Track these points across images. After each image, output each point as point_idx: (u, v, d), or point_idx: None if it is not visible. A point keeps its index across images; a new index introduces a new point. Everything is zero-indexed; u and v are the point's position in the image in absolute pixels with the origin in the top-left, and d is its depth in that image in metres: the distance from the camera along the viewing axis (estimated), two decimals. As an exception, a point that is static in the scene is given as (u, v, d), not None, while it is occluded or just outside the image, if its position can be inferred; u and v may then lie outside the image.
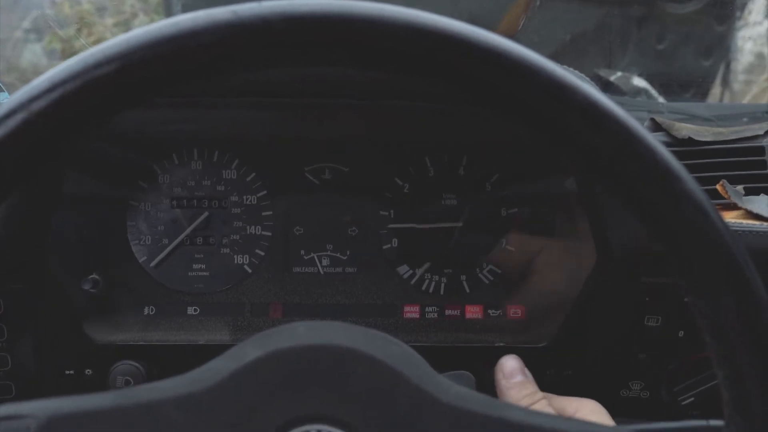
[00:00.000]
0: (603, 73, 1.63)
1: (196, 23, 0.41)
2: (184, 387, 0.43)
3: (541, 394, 0.68)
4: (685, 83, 2.00)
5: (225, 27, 0.41)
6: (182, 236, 0.92)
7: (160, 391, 0.43)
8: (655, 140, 0.43)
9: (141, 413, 0.42)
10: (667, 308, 0.84)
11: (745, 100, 2.15)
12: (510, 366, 0.70)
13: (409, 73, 0.44)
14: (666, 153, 0.43)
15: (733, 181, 0.89)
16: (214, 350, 0.84)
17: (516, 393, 0.67)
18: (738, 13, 2.11)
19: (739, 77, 2.20)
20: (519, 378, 0.69)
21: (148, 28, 0.42)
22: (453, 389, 0.44)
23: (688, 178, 0.43)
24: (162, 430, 0.42)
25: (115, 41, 0.42)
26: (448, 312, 0.94)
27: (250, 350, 0.44)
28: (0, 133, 0.41)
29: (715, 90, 2.12)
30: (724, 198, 0.87)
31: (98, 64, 0.41)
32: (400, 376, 0.43)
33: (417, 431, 0.42)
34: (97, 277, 0.87)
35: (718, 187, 0.88)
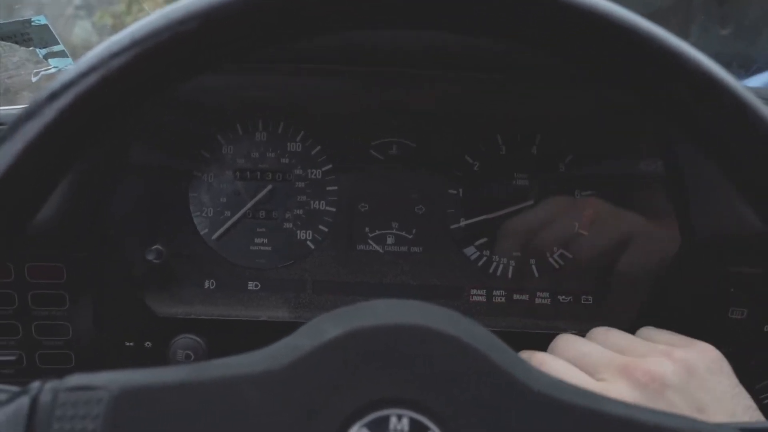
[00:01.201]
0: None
1: None
2: (261, 363, 0.41)
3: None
4: (758, 66, 1.94)
5: None
6: (244, 209, 0.91)
7: (235, 367, 0.41)
8: None
9: (216, 389, 0.40)
10: (753, 301, 0.79)
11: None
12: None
13: (504, 36, 0.42)
14: None
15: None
16: (276, 327, 0.84)
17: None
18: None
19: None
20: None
21: None
22: (544, 377, 0.41)
23: None
24: (237, 407, 0.40)
25: None
26: (516, 297, 0.91)
27: (329, 327, 0.42)
28: (78, 90, 0.39)
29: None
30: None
31: (182, 20, 0.39)
32: (488, 361, 0.40)
33: (506, 419, 0.39)
34: (160, 247, 0.86)
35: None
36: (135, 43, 0.40)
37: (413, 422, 0.39)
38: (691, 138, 0.42)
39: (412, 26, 0.41)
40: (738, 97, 0.40)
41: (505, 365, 0.40)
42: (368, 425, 0.39)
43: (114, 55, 0.39)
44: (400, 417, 0.39)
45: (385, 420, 0.39)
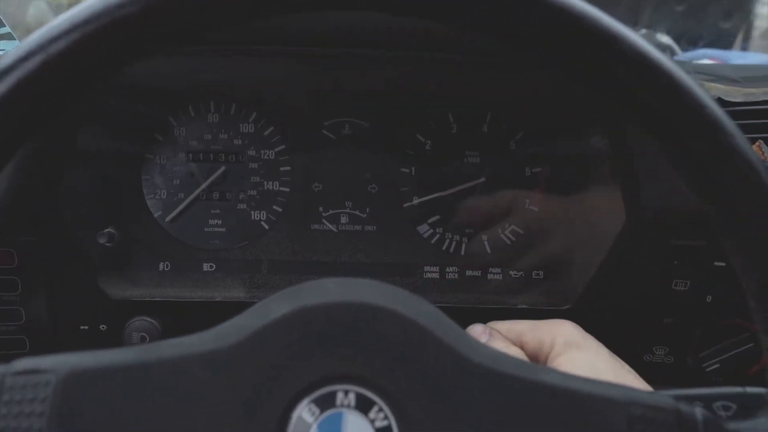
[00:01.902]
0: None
1: None
2: (209, 343, 0.41)
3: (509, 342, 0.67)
4: (705, 45, 1.98)
5: None
6: (198, 191, 0.91)
7: (183, 347, 0.41)
8: (705, 93, 0.41)
9: (164, 369, 0.40)
10: (695, 272, 0.82)
11: (763, 64, 2.13)
12: (478, 329, 0.70)
13: (447, 22, 0.42)
14: (716, 107, 0.41)
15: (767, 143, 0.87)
16: (231, 307, 0.84)
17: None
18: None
19: (755, 42, 2.17)
20: (487, 335, 0.69)
21: None
22: (486, 350, 0.43)
23: (737, 133, 0.41)
24: (185, 387, 0.40)
25: None
26: (468, 273, 0.93)
27: (276, 306, 0.42)
28: (17, 76, 0.39)
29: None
30: (761, 159, 0.84)
31: (120, 5, 0.39)
32: (432, 336, 0.41)
33: (449, 392, 0.41)
34: (112, 230, 0.86)
35: (754, 147, 0.85)
36: (74, 27, 0.39)
37: (359, 397, 0.40)
38: (628, 116, 0.43)
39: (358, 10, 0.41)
40: (672, 77, 0.41)
41: (447, 339, 0.41)
42: (315, 401, 0.40)
43: (53, 39, 0.39)
44: (346, 392, 0.40)
45: (332, 396, 0.40)
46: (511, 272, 0.93)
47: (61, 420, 0.39)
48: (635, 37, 0.41)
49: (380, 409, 0.40)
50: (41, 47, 0.39)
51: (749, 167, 0.40)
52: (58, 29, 0.39)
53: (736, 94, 0.93)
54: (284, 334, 0.41)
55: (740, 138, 0.41)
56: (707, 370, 0.84)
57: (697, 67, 1.21)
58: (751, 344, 0.82)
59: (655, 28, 1.89)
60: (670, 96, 0.40)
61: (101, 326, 0.84)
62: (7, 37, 0.98)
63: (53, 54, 0.39)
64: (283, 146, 0.91)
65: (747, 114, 0.89)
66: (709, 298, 0.83)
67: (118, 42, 0.40)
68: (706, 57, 1.57)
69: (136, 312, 0.83)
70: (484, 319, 0.83)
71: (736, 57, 1.57)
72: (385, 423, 0.40)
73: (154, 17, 0.40)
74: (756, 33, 2.18)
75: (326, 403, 0.40)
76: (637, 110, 0.42)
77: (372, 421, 0.40)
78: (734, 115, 0.88)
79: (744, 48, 2.12)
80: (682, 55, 1.64)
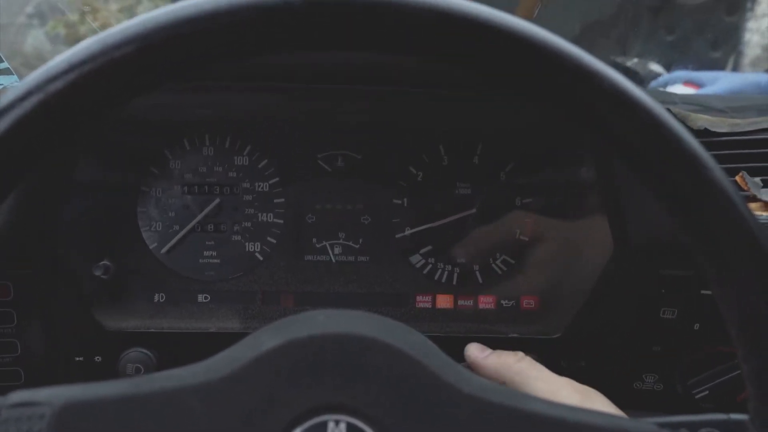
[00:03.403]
0: (619, 59, 1.63)
1: (218, 4, 0.40)
2: (201, 375, 0.42)
3: (519, 353, 0.68)
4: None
5: (247, 8, 0.40)
6: (193, 223, 0.92)
7: (176, 379, 0.42)
8: (681, 127, 0.42)
9: (157, 401, 0.41)
10: (683, 301, 0.83)
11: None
12: (475, 346, 0.73)
13: (435, 58, 0.44)
14: (693, 140, 0.42)
15: (751, 173, 0.88)
16: (225, 338, 0.84)
17: (497, 358, 0.68)
18: (748, 4, 2.10)
19: (746, 70, 2.19)
20: (487, 351, 0.72)
21: (168, 8, 0.41)
22: (474, 380, 0.43)
23: (715, 167, 0.42)
24: (179, 419, 0.41)
25: (135, 21, 0.41)
26: (460, 302, 0.94)
27: (267, 338, 0.43)
28: (16, 114, 0.40)
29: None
30: (743, 190, 0.86)
31: (118, 45, 0.40)
32: (420, 366, 0.42)
33: (437, 421, 0.41)
34: (108, 263, 0.87)
35: (737, 178, 0.87)
36: (72, 68, 0.40)
37: (350, 426, 0.41)
38: (610, 149, 0.44)
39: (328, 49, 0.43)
40: (649, 112, 0.42)
41: (436, 369, 0.42)
42: (307, 431, 0.41)
43: (51, 79, 0.40)
44: (337, 422, 0.41)
45: (323, 426, 0.41)
46: (502, 301, 0.94)
47: (56, 452, 0.40)
48: (613, 73, 0.42)
49: (370, 439, 0.41)
50: (39, 87, 0.40)
51: (727, 200, 0.41)
52: (56, 69, 0.41)
53: (722, 124, 0.94)
54: (275, 365, 0.42)
55: (717, 171, 0.42)
56: (696, 397, 0.84)
57: (684, 97, 1.22)
58: (739, 371, 0.83)
59: (645, 58, 1.91)
60: (647, 131, 0.42)
61: (96, 357, 0.84)
62: (6, 72, 1.00)
63: (51, 94, 0.40)
64: (277, 178, 0.92)
65: (732, 144, 0.91)
66: (696, 326, 0.84)
67: (115, 81, 0.41)
68: (680, 80, 1.59)
69: (131, 343, 0.84)
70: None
71: (708, 77, 1.60)
72: (375, 452, 0.40)
73: (150, 57, 0.41)
74: (745, 61, 2.20)
75: (317, 433, 0.41)
76: (616, 145, 0.43)
77: (362, 451, 0.41)
78: (720, 146, 0.90)
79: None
80: (659, 80, 1.66)
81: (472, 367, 0.73)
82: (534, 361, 0.68)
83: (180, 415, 0.41)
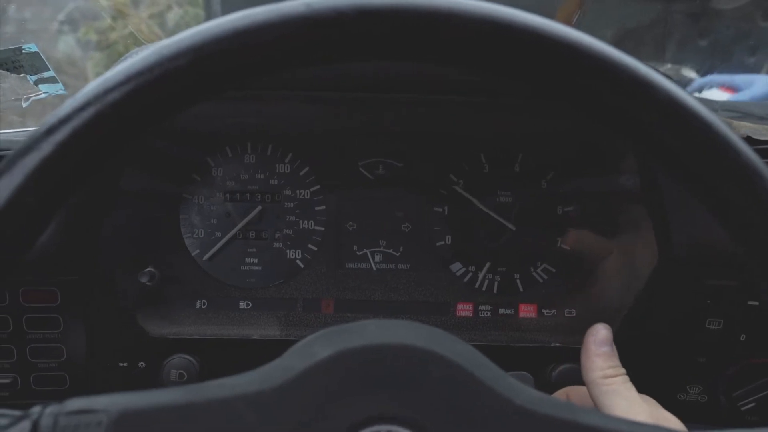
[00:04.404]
0: (653, 66, 1.62)
1: (270, 15, 0.41)
2: (255, 384, 0.42)
3: (623, 370, 0.67)
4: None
5: (299, 20, 0.41)
6: (235, 230, 0.92)
7: (230, 388, 0.42)
8: (738, 138, 0.42)
9: (212, 410, 0.42)
10: (729, 311, 0.82)
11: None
12: (602, 334, 0.70)
13: (484, 70, 0.44)
14: (750, 151, 0.42)
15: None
16: (267, 345, 0.85)
17: (602, 361, 0.67)
18: (785, 9, 2.08)
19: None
20: (607, 348, 0.69)
21: (221, 20, 0.42)
22: (526, 392, 0.43)
23: None
24: (233, 427, 0.41)
25: (189, 33, 0.41)
26: (501, 311, 0.93)
27: (320, 348, 0.43)
28: (74, 125, 0.41)
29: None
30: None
31: (174, 57, 0.41)
32: (472, 378, 0.42)
33: (489, 431, 0.41)
34: (153, 270, 0.88)
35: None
36: (129, 79, 0.41)
37: (402, 437, 0.41)
38: (660, 161, 0.44)
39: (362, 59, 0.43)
40: (706, 123, 0.42)
41: (487, 380, 0.42)
42: (360, 441, 0.41)
43: (108, 90, 0.41)
44: (390, 432, 0.41)
45: (376, 436, 0.41)
46: (543, 310, 0.93)
47: (113, 459, 0.40)
48: (668, 83, 0.42)
49: (423, 450, 0.41)
50: (97, 98, 0.41)
51: None
52: (113, 80, 0.41)
53: (765, 132, 0.93)
54: (328, 375, 0.42)
55: None
56: (742, 409, 0.83)
57: (725, 104, 1.21)
58: (786, 384, 0.82)
59: (680, 63, 1.89)
60: (704, 142, 0.41)
61: (140, 363, 0.85)
62: (51, 80, 1.01)
63: (108, 104, 0.41)
64: (318, 186, 0.93)
65: (776, 152, 0.89)
66: (742, 337, 0.83)
67: (170, 92, 0.42)
68: (715, 84, 1.57)
69: (174, 349, 0.85)
70: (517, 357, 0.84)
71: (744, 81, 1.58)
72: (428, 463, 0.40)
73: (204, 68, 0.41)
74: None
75: (372, 443, 0.41)
76: (670, 155, 0.43)
77: (415, 462, 0.41)
78: (763, 153, 0.88)
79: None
80: (694, 84, 1.64)
81: (583, 347, 0.71)
82: (628, 381, 0.67)
83: (234, 424, 0.41)
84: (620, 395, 0.63)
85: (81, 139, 0.41)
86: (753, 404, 0.83)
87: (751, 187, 0.41)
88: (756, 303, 0.81)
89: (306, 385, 0.42)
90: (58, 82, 1.04)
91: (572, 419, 0.42)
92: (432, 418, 0.41)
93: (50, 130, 0.41)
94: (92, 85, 0.42)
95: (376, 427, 0.41)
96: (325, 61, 0.44)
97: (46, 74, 1.01)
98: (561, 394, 0.74)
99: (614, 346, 0.69)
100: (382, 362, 0.42)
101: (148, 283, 0.87)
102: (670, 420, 0.62)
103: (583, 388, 0.70)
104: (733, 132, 0.42)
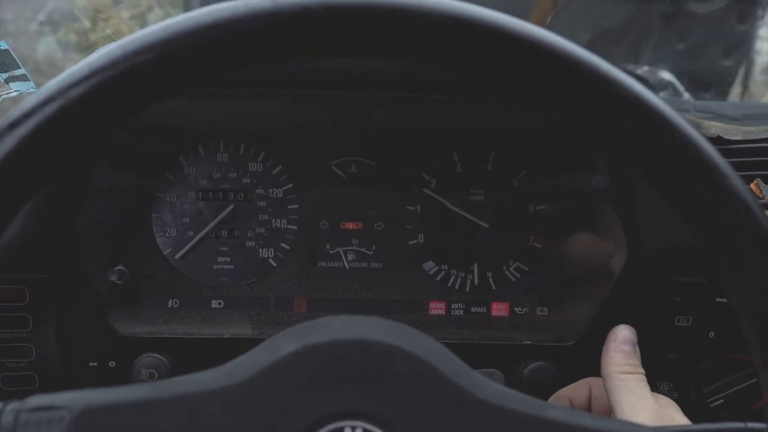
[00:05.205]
0: (630, 68, 1.63)
1: (236, 11, 0.41)
2: (220, 380, 0.42)
3: (641, 370, 0.67)
4: (706, 82, 1.99)
5: (265, 15, 0.41)
6: (207, 229, 0.92)
7: (195, 384, 0.42)
8: (698, 135, 0.42)
9: (176, 406, 0.41)
10: (697, 308, 0.82)
11: (764, 101, 2.14)
12: (624, 334, 0.70)
13: (452, 65, 0.44)
14: (710, 148, 0.42)
15: (765, 181, 0.88)
16: (239, 344, 0.84)
17: (621, 358, 0.67)
18: (760, 12, 2.10)
19: (757, 78, 2.19)
20: (629, 347, 0.69)
21: (188, 15, 0.42)
22: (490, 386, 0.43)
23: (732, 174, 0.42)
24: (198, 423, 0.41)
25: (155, 28, 0.41)
26: (474, 309, 0.93)
27: (285, 343, 0.43)
28: (37, 120, 0.41)
29: (735, 90, 2.11)
30: (758, 197, 0.85)
31: (138, 51, 0.41)
32: (437, 373, 0.42)
33: (454, 428, 0.41)
34: (123, 268, 0.87)
35: (752, 186, 0.86)
36: (93, 73, 0.41)
37: (367, 433, 0.41)
38: (626, 158, 0.44)
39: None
40: (666, 120, 0.42)
41: (452, 375, 0.42)
42: (324, 437, 0.41)
43: (72, 85, 0.41)
44: (353, 428, 0.41)
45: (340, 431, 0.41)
46: (516, 308, 0.93)
47: (74, 456, 0.40)
48: (630, 81, 0.43)
49: (388, 444, 0.41)
50: (60, 92, 0.41)
51: (744, 207, 0.41)
52: (77, 75, 0.41)
53: (735, 132, 0.94)
54: (293, 370, 0.42)
55: (735, 178, 0.42)
56: (712, 405, 0.84)
57: (697, 105, 1.22)
58: (755, 379, 0.82)
59: (656, 66, 1.91)
60: (664, 138, 0.42)
61: (110, 363, 0.85)
62: (22, 78, 1.00)
63: (71, 99, 0.41)
64: (291, 185, 0.93)
65: (746, 152, 0.91)
66: (711, 334, 0.84)
67: (135, 87, 0.42)
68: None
69: (144, 348, 0.84)
70: (489, 355, 0.85)
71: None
72: (392, 458, 0.41)
73: (170, 63, 0.41)
74: (756, 69, 2.20)
75: (335, 438, 0.41)
76: (632, 152, 0.43)
77: (380, 457, 0.41)
78: (733, 153, 0.90)
79: (744, 84, 2.13)
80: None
81: (605, 343, 0.70)
82: (643, 381, 0.66)
83: (198, 420, 0.41)
84: (631, 392, 0.63)
85: (45, 134, 0.41)
86: (722, 400, 0.84)
87: (712, 183, 0.42)
88: (724, 300, 0.82)
89: (271, 381, 0.42)
90: (29, 80, 1.03)
91: (536, 414, 0.42)
92: (396, 413, 0.41)
93: (13, 125, 0.41)
94: (56, 80, 0.42)
95: (339, 423, 0.41)
96: (292, 57, 0.44)
97: (16, 72, 1.00)
98: (583, 384, 0.74)
99: (637, 348, 0.69)
100: (347, 357, 0.42)
101: (117, 282, 0.86)
102: (676, 420, 0.61)
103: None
104: (694, 129, 0.42)
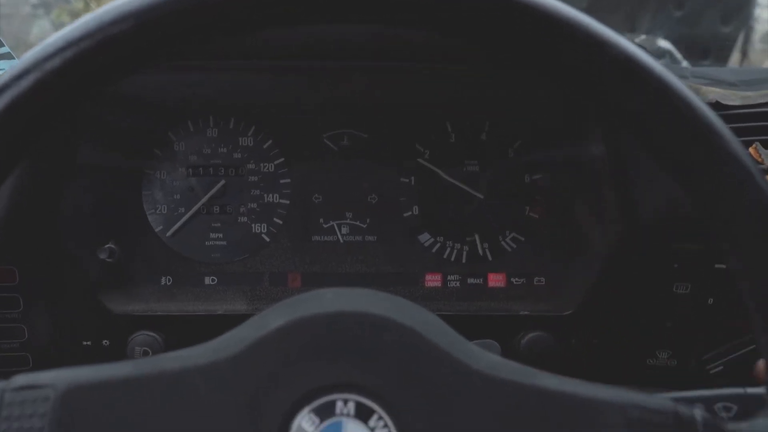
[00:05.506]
0: (627, 36, 1.61)
1: None
2: (207, 355, 0.42)
3: None
4: (705, 49, 1.97)
5: None
6: (198, 205, 0.91)
7: (181, 360, 0.42)
8: (695, 96, 0.41)
9: (162, 382, 0.41)
10: (696, 275, 0.82)
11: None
12: None
13: (444, 31, 0.43)
14: (707, 109, 0.41)
15: (764, 146, 0.87)
16: (233, 320, 0.83)
17: None
18: (760, -21, 2.08)
19: (756, 46, 2.17)
20: None
21: None
22: (483, 357, 0.43)
23: (730, 136, 0.41)
24: (185, 399, 0.40)
25: None
26: (470, 281, 0.93)
27: (274, 318, 0.42)
28: (13, 93, 0.40)
29: (734, 57, 2.10)
30: (758, 162, 0.84)
31: (114, 21, 0.40)
32: (430, 344, 0.42)
33: (448, 398, 0.41)
34: (113, 246, 0.86)
35: (750, 150, 0.85)
36: (68, 45, 0.40)
37: (359, 405, 0.40)
38: (619, 121, 0.43)
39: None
40: (661, 80, 0.41)
41: (444, 346, 0.42)
42: (315, 410, 0.40)
43: (48, 57, 0.40)
44: (345, 401, 0.40)
45: (332, 405, 0.40)
46: (512, 279, 0.93)
47: (60, 434, 0.39)
48: (623, 41, 0.41)
49: (380, 417, 0.40)
50: (36, 65, 0.40)
51: (743, 170, 0.40)
52: (52, 47, 0.40)
53: (734, 97, 0.93)
54: (282, 344, 0.41)
55: (733, 140, 0.41)
56: (711, 372, 0.83)
57: (695, 71, 1.21)
58: (753, 346, 0.82)
59: (654, 34, 1.89)
60: (658, 99, 0.41)
61: (104, 341, 0.84)
62: (7, 56, 0.99)
63: (48, 71, 0.40)
64: (282, 159, 0.91)
65: (744, 117, 0.89)
66: (710, 301, 0.83)
67: (111, 58, 0.40)
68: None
69: (138, 327, 0.83)
70: (486, 327, 0.84)
71: None
72: (384, 431, 0.40)
73: (146, 33, 0.40)
74: (756, 37, 2.18)
75: (326, 412, 0.40)
76: (627, 115, 0.42)
77: (372, 430, 0.40)
78: (731, 119, 0.88)
79: (743, 51, 2.12)
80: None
81: None
82: None
83: (185, 396, 0.40)
84: None
85: (21, 107, 0.40)
86: (721, 367, 0.84)
87: (709, 145, 0.41)
88: (723, 266, 0.81)
89: (259, 356, 0.41)
90: (14, 57, 1.01)
91: (530, 383, 0.41)
92: (388, 385, 0.40)
93: None
94: (31, 53, 0.41)
95: (330, 397, 0.40)
96: (273, 25, 0.42)
97: (0, 50, 0.99)
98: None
99: None
100: (337, 330, 0.42)
101: (108, 260, 0.85)
102: None
103: None
104: (689, 89, 0.41)
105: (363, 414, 0.40)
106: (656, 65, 0.41)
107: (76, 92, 0.41)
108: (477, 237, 0.93)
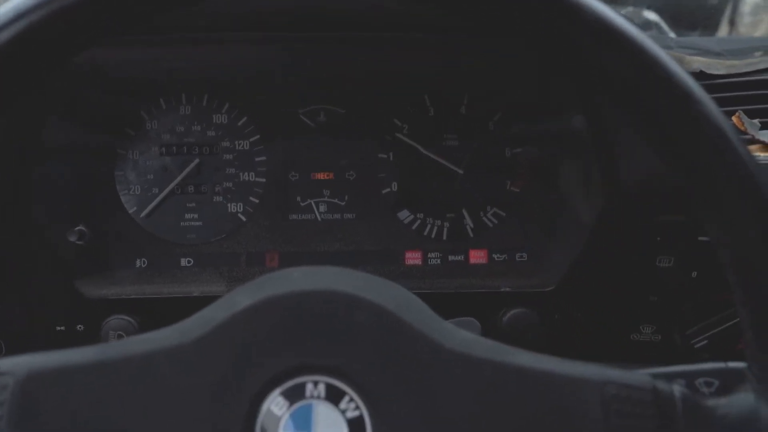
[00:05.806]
0: (613, 8, 1.60)
1: None
2: (173, 338, 0.40)
3: None
4: (692, 20, 1.96)
5: None
6: (172, 185, 0.89)
7: (147, 343, 0.40)
8: (674, 63, 0.39)
9: (127, 366, 0.39)
10: (679, 248, 0.81)
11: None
12: None
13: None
14: (686, 75, 0.39)
15: (749, 115, 0.85)
16: (209, 302, 0.82)
17: None
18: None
19: (745, 19, 2.15)
20: None
21: None
22: (458, 335, 0.41)
23: (709, 102, 0.40)
24: (150, 383, 0.39)
25: None
26: (451, 257, 0.91)
27: (242, 298, 0.41)
28: None
29: (722, 29, 2.08)
30: (741, 131, 0.83)
31: None
32: (401, 323, 0.40)
33: (421, 378, 0.39)
34: (83, 228, 0.84)
35: (734, 119, 0.84)
36: (20, 16, 0.38)
37: (329, 387, 0.39)
38: (598, 88, 0.42)
39: None
40: (637, 45, 0.39)
41: (417, 324, 0.40)
42: (284, 393, 0.39)
43: None
44: (315, 383, 0.39)
45: (301, 387, 0.39)
46: (494, 255, 0.91)
47: (19, 422, 0.38)
48: (600, 6, 0.40)
49: (351, 399, 0.39)
50: None
51: (722, 137, 0.39)
52: (4, 18, 0.38)
53: (719, 66, 0.91)
54: (249, 325, 0.40)
55: (712, 107, 0.39)
56: (696, 346, 0.82)
57: (681, 41, 1.19)
58: (738, 319, 0.81)
59: (640, 6, 1.88)
60: (637, 66, 0.39)
61: (78, 326, 0.82)
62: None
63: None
64: (257, 136, 0.90)
65: (730, 86, 0.88)
66: (694, 274, 0.82)
67: (66, 29, 0.39)
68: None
69: (113, 310, 0.81)
70: (467, 304, 0.83)
71: None
72: (356, 413, 0.39)
73: (100, 4, 0.38)
74: (745, 9, 2.16)
75: (295, 394, 0.39)
76: (606, 82, 0.41)
77: (343, 412, 0.39)
78: (717, 88, 0.87)
79: (732, 23, 2.10)
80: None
81: None
82: None
83: (151, 379, 0.39)
84: None
85: None
86: (706, 341, 0.83)
87: (688, 112, 0.39)
88: (707, 239, 0.80)
89: (226, 336, 0.40)
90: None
91: (505, 361, 0.40)
92: (358, 365, 0.39)
93: None
94: None
95: (300, 379, 0.39)
96: None
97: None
98: None
99: None
100: (307, 309, 0.40)
101: (78, 242, 0.83)
102: None
103: None
104: (668, 55, 0.40)
105: (334, 396, 0.39)
106: (634, 31, 0.40)
107: (31, 66, 0.39)
108: (458, 213, 0.91)
